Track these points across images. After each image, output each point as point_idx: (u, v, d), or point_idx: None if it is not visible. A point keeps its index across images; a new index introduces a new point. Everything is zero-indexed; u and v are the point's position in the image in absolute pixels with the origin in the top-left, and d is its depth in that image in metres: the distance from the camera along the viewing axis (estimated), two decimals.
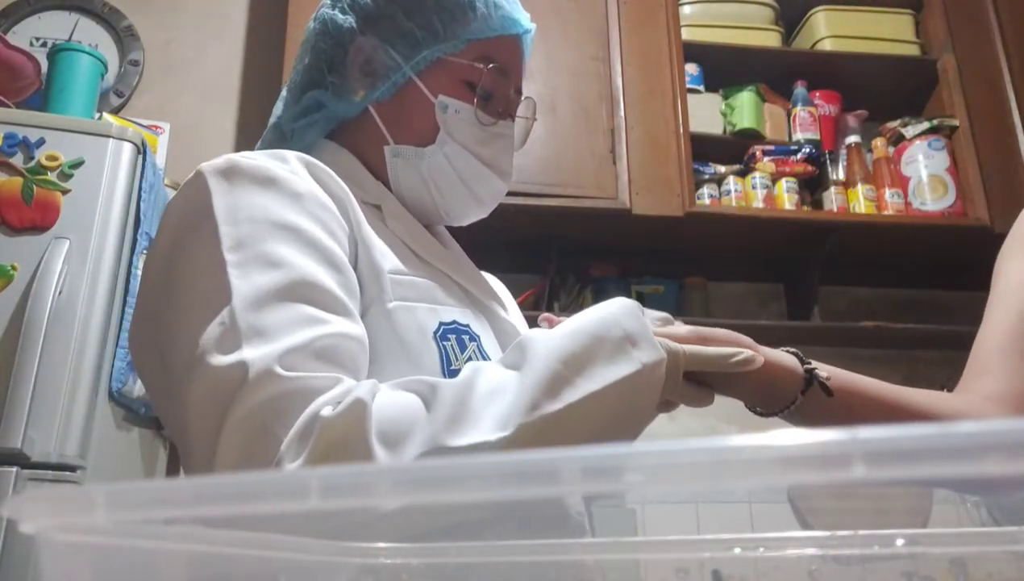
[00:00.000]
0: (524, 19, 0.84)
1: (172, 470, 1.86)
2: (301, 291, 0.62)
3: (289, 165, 0.71)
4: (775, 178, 2.20)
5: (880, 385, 0.76)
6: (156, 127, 2.11)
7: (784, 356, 0.73)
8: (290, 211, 0.66)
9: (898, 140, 2.34)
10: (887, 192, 2.22)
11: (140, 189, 1.57)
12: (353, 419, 0.56)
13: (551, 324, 0.71)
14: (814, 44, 2.38)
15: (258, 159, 0.70)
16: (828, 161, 2.29)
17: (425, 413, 0.59)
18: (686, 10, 2.33)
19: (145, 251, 1.51)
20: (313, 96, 0.83)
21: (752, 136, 2.26)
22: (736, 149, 2.25)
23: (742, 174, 2.22)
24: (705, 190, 2.21)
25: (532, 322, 0.78)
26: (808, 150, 2.24)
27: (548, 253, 2.18)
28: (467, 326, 0.74)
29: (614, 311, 0.66)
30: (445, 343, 0.71)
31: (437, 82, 0.80)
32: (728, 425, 2.11)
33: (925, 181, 2.24)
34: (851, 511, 1.99)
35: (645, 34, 2.19)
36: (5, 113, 1.54)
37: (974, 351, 0.85)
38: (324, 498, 0.23)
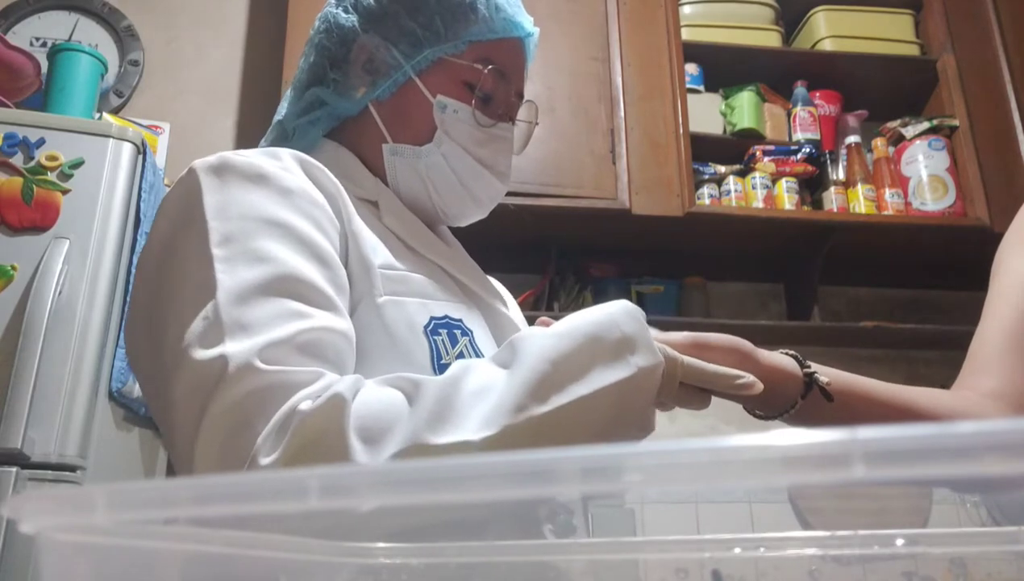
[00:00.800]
0: (527, 23, 0.84)
1: (172, 470, 1.86)
2: (286, 286, 0.62)
3: (281, 162, 0.71)
4: (775, 178, 2.20)
5: (879, 386, 0.76)
6: (156, 127, 2.11)
7: (783, 359, 0.72)
8: (280, 207, 0.67)
9: (898, 140, 2.34)
10: (887, 192, 2.22)
11: (140, 189, 1.57)
12: (331, 413, 0.56)
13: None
14: (814, 44, 2.38)
15: (250, 156, 0.70)
16: (828, 161, 2.29)
17: (408, 409, 0.58)
18: (686, 10, 2.33)
19: None
20: (315, 93, 0.83)
21: (752, 136, 2.26)
22: (736, 149, 2.25)
23: (742, 174, 2.22)
24: (705, 190, 2.21)
25: (532, 323, 0.78)
26: (808, 150, 2.24)
27: (548, 253, 2.18)
28: (459, 321, 0.74)
29: (613, 313, 0.65)
30: (436, 338, 0.71)
31: (437, 82, 0.80)
32: (728, 425, 2.11)
33: (925, 181, 2.24)
34: (851, 511, 1.99)
35: (645, 34, 2.19)
36: (5, 113, 1.54)
37: (973, 347, 0.84)
38: (324, 498, 0.23)
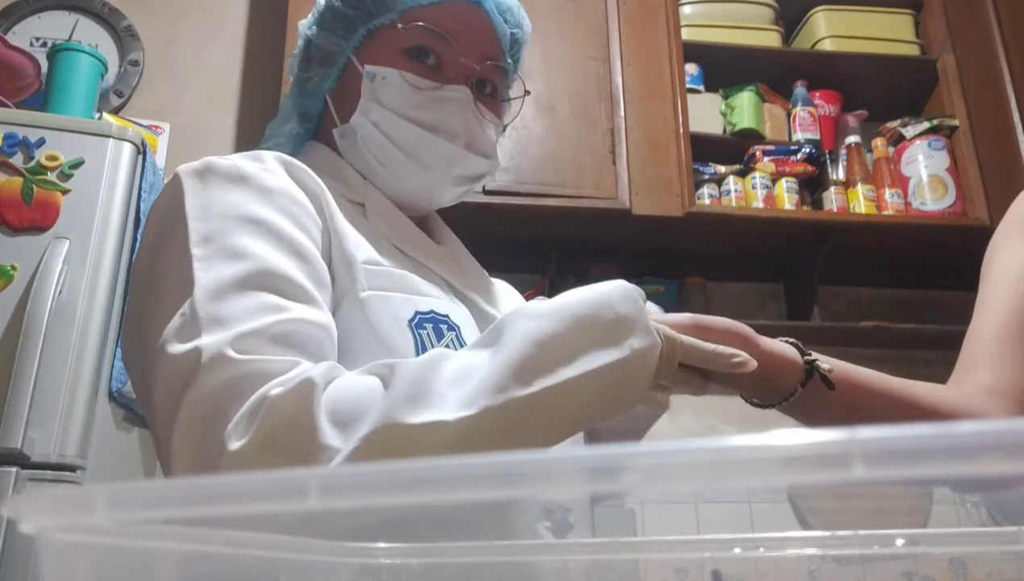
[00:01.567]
0: None
1: None
2: (263, 280, 0.62)
3: (263, 164, 0.72)
4: (775, 178, 2.20)
5: (880, 377, 0.75)
6: (156, 127, 2.11)
7: (784, 346, 0.71)
8: (259, 206, 0.67)
9: (898, 140, 2.34)
10: (887, 192, 2.22)
11: (140, 189, 1.57)
12: (301, 397, 0.55)
13: None
14: (814, 44, 2.38)
15: (233, 159, 0.71)
16: (828, 161, 2.29)
17: (382, 391, 0.57)
18: (686, 10, 2.33)
19: None
20: (288, 99, 0.86)
21: (752, 136, 2.26)
22: (736, 149, 2.25)
23: (742, 174, 2.22)
24: (705, 190, 2.21)
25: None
26: (808, 150, 2.24)
27: (548, 253, 2.18)
28: (446, 316, 0.73)
29: (608, 292, 0.63)
30: (421, 332, 0.70)
31: (370, 55, 0.80)
32: (728, 425, 2.11)
33: (925, 181, 2.24)
34: (851, 511, 1.99)
35: (645, 34, 2.19)
36: (5, 113, 1.54)
37: (967, 342, 0.84)
38: (324, 499, 0.23)
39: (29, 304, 1.35)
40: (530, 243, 2.14)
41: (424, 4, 0.79)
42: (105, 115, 1.90)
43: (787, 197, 2.18)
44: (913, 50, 2.39)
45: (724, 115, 2.31)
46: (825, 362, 0.71)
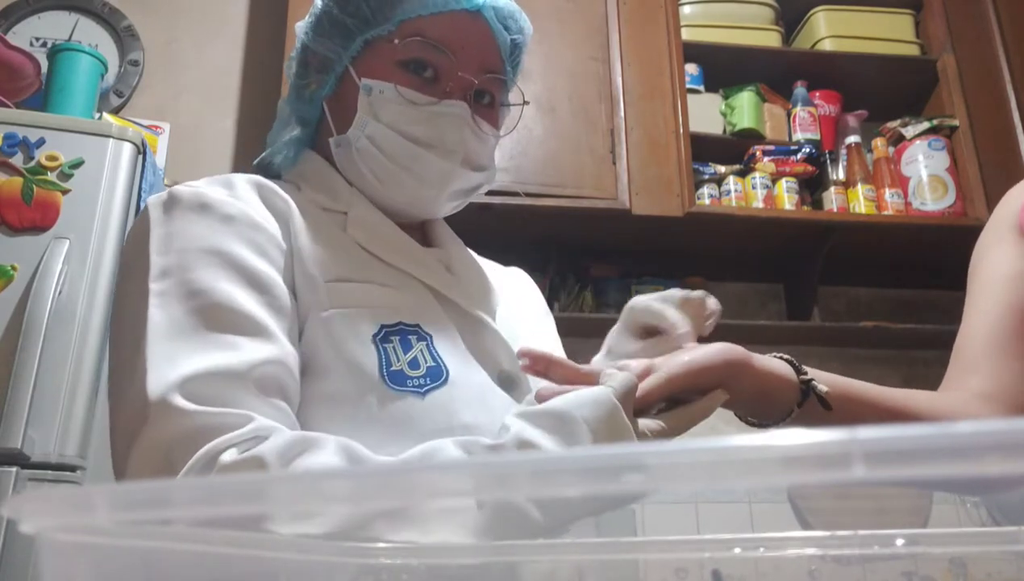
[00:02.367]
0: None
1: None
2: (219, 317, 0.63)
3: (230, 190, 0.72)
4: (775, 178, 2.20)
5: (875, 389, 0.74)
6: (156, 127, 2.11)
7: (778, 364, 0.70)
8: (220, 235, 0.68)
9: (898, 140, 2.34)
10: (887, 192, 2.22)
11: (140, 189, 1.57)
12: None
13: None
14: (814, 44, 2.38)
15: (198, 186, 0.72)
16: (828, 161, 2.29)
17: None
18: (686, 10, 2.33)
19: None
20: (286, 104, 0.85)
21: (752, 136, 2.26)
22: (736, 149, 2.25)
23: (742, 174, 2.22)
24: (705, 190, 2.21)
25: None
26: (808, 150, 2.24)
27: (548, 253, 2.18)
28: (415, 326, 0.72)
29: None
30: (386, 346, 0.70)
31: (367, 66, 0.79)
32: (728, 425, 2.11)
33: (925, 181, 2.24)
34: (851, 511, 1.99)
35: (645, 34, 2.19)
36: (5, 113, 1.54)
37: (958, 345, 0.84)
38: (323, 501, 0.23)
39: (29, 304, 1.35)
40: (530, 243, 2.14)
41: (423, 15, 0.78)
42: (105, 115, 1.90)
43: (787, 197, 2.18)
44: (913, 50, 2.40)
45: (724, 115, 2.31)
46: (819, 380, 0.70)
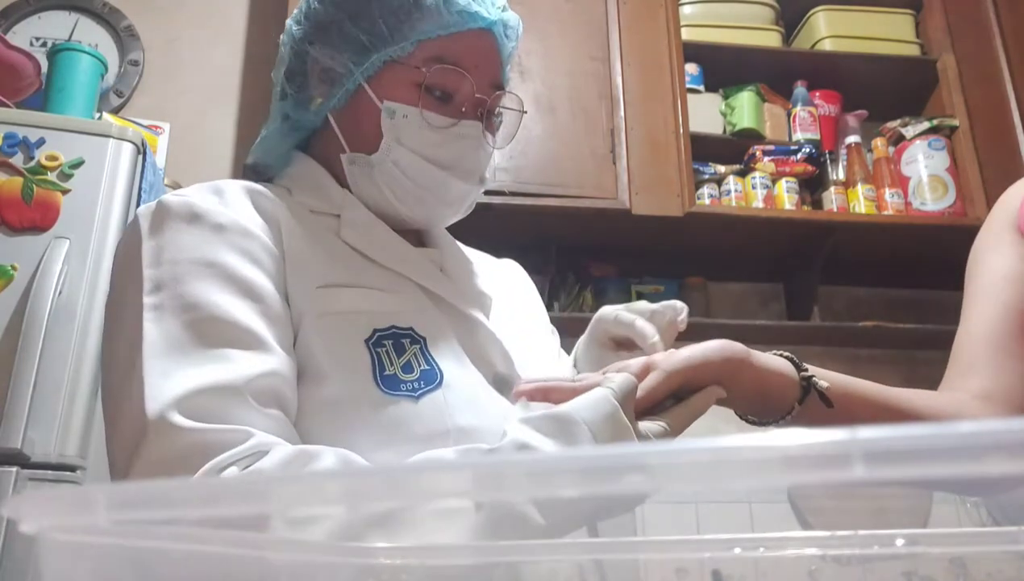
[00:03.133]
0: (486, 10, 0.79)
1: None
2: (213, 330, 0.63)
3: (220, 197, 0.72)
4: (775, 178, 2.20)
5: (875, 388, 0.74)
6: (156, 127, 2.11)
7: (778, 362, 0.70)
8: (212, 246, 0.67)
9: (898, 140, 2.34)
10: (887, 192, 2.22)
11: (140, 189, 1.57)
12: None
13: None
14: (814, 44, 2.38)
15: (188, 195, 0.71)
16: (828, 161, 2.29)
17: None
18: (686, 10, 2.33)
19: None
20: (279, 107, 0.84)
21: (752, 136, 2.26)
22: (736, 149, 2.25)
23: (742, 174, 2.22)
24: (705, 190, 2.21)
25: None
26: (808, 150, 2.24)
27: (548, 253, 2.18)
28: (409, 329, 0.72)
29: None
30: (379, 350, 0.69)
31: (386, 87, 0.78)
32: (728, 425, 2.11)
33: (925, 181, 2.24)
34: (851, 511, 1.99)
35: (645, 34, 2.19)
36: (5, 113, 1.54)
37: (957, 347, 0.84)
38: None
39: (29, 304, 1.35)
40: (530, 243, 2.14)
41: (443, 35, 0.77)
42: (105, 115, 1.90)
43: (787, 197, 2.18)
44: (913, 50, 2.39)
45: (724, 115, 2.31)
46: (821, 377, 0.70)
